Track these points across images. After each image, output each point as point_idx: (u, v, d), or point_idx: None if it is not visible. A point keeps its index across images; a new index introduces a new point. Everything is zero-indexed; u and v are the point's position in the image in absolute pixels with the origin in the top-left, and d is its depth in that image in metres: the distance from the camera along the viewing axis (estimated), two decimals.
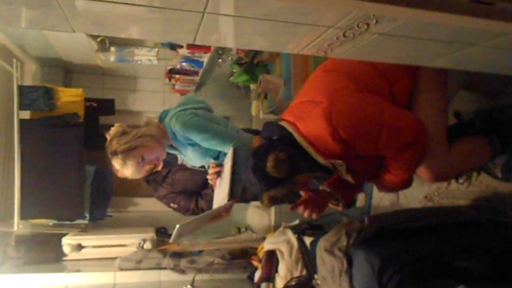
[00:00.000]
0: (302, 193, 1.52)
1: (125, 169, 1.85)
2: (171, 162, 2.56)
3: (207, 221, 1.93)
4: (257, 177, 1.32)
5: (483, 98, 1.78)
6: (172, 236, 1.81)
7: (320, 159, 1.31)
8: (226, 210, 1.87)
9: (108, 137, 1.90)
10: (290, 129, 1.34)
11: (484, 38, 0.92)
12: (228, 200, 1.76)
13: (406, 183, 1.45)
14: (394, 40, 0.92)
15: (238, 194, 1.83)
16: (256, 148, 1.38)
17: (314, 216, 1.50)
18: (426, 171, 1.33)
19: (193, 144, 1.88)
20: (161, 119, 2.02)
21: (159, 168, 2.21)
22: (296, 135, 1.32)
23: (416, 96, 1.37)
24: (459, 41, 0.95)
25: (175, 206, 2.57)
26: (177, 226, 1.73)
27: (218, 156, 1.92)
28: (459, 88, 1.75)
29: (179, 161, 2.54)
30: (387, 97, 1.34)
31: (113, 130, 1.91)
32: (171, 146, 2.05)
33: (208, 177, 1.96)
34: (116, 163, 1.86)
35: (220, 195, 1.86)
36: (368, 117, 1.27)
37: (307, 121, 1.32)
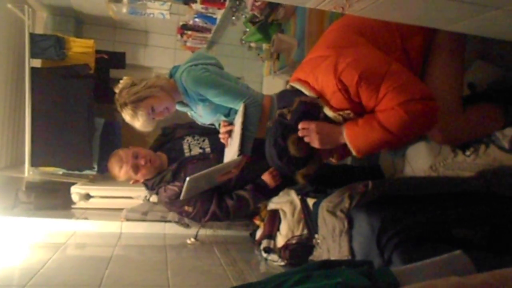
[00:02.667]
0: None
1: (135, 120, 1.85)
2: (177, 156, 2.22)
3: (216, 177, 1.95)
4: (285, 164, 1.40)
5: (499, 69, 1.74)
6: (183, 192, 1.83)
7: (330, 113, 1.33)
8: (236, 166, 1.88)
9: (117, 90, 1.89)
10: (302, 87, 1.35)
11: (508, 0, 0.89)
12: (238, 156, 1.77)
13: (381, 146, 1.36)
14: None
15: (248, 151, 1.84)
16: (273, 136, 1.41)
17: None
18: (438, 131, 1.33)
19: (204, 100, 1.88)
20: (172, 74, 2.00)
21: (155, 163, 2.10)
22: (307, 91, 1.33)
23: (431, 58, 1.35)
24: (482, 2, 0.92)
25: (190, 209, 2.12)
26: (187, 179, 1.75)
27: (229, 113, 1.92)
28: (475, 57, 1.71)
29: (186, 153, 2.24)
30: (399, 55, 1.32)
31: (122, 83, 1.90)
32: (182, 104, 2.04)
33: (220, 135, 1.96)
34: (126, 114, 1.86)
35: (231, 151, 1.88)
36: (373, 65, 1.24)
37: (317, 76, 1.33)
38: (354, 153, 1.35)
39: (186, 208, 2.14)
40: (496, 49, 1.70)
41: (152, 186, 2.19)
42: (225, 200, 2.12)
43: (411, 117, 1.20)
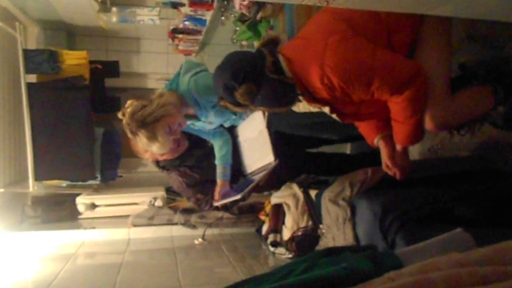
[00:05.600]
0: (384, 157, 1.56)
1: (154, 142, 1.76)
2: (197, 140, 2.16)
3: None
4: (224, 94, 1.39)
5: (489, 49, 1.77)
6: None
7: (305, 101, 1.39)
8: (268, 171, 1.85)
9: (125, 114, 1.78)
10: (284, 66, 1.36)
11: None
12: (275, 160, 1.73)
13: (417, 130, 1.39)
14: None
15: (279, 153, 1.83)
16: (239, 65, 1.36)
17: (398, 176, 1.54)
18: (428, 119, 1.34)
19: (215, 105, 1.88)
20: (174, 89, 1.98)
21: (183, 147, 2.00)
22: (288, 72, 1.36)
23: (418, 46, 1.37)
24: None
25: (202, 196, 2.14)
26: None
27: (235, 112, 1.92)
28: (464, 39, 1.74)
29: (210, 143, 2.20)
30: (384, 46, 1.34)
31: (129, 106, 1.80)
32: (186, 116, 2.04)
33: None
34: (143, 137, 1.76)
35: (258, 154, 1.83)
36: (359, 61, 1.28)
37: (301, 61, 1.34)
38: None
39: (199, 195, 2.16)
40: (484, 30, 1.73)
41: (165, 166, 2.10)
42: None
43: (410, 100, 1.31)
